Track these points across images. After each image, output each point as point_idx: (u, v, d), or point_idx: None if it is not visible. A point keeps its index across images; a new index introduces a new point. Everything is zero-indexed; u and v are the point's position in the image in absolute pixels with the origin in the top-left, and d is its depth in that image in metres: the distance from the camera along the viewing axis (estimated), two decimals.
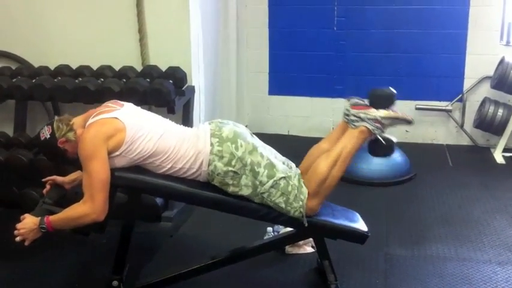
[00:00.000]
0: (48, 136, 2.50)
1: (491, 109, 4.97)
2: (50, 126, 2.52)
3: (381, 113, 2.52)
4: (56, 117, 2.60)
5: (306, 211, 2.51)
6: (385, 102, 2.55)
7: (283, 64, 5.69)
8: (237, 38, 5.36)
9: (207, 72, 4.28)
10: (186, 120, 3.81)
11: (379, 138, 2.54)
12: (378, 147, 2.59)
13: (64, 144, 2.50)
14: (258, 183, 2.48)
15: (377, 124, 2.52)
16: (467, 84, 5.27)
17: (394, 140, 2.58)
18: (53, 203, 2.58)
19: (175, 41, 3.94)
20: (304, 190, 2.51)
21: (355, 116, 2.55)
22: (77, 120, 2.57)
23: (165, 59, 3.88)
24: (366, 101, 2.59)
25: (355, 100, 2.60)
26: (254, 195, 2.51)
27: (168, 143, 2.49)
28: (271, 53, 5.69)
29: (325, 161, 2.53)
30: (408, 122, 2.57)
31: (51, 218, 2.42)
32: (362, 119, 2.53)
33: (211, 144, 2.47)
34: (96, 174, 2.36)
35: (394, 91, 2.60)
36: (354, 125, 2.55)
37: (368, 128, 2.52)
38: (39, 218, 2.42)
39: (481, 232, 3.43)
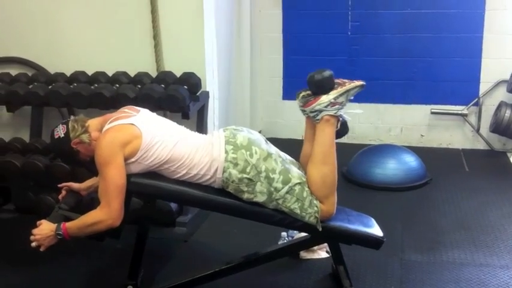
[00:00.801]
0: (62, 135, 2.51)
1: (508, 113, 4.92)
2: (64, 126, 2.54)
3: (331, 95, 2.48)
4: (72, 117, 2.61)
5: (323, 214, 2.51)
6: (328, 84, 2.51)
7: (297, 69, 5.68)
8: (251, 43, 5.37)
9: (221, 78, 4.29)
10: (201, 125, 3.82)
11: (345, 117, 2.54)
12: (343, 128, 2.57)
13: (77, 145, 2.51)
14: (273, 189, 2.47)
15: (335, 106, 2.48)
16: (483, 88, 5.23)
17: (359, 111, 2.53)
18: (69, 208, 2.59)
19: (190, 47, 3.96)
20: None
21: (312, 111, 2.51)
22: (92, 123, 2.58)
23: (180, 65, 3.91)
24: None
25: (303, 94, 2.55)
26: (269, 202, 2.50)
27: (183, 150, 2.50)
28: (285, 58, 5.70)
29: (314, 166, 2.52)
30: (361, 86, 2.52)
31: (68, 224, 2.43)
32: (320, 110, 2.49)
33: (226, 152, 2.47)
34: (113, 180, 2.37)
35: (329, 71, 2.54)
36: (316, 119, 2.52)
37: (330, 115, 2.49)
38: (56, 224, 2.44)
39: (497, 237, 3.40)
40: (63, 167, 3.49)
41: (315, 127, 2.57)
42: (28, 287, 2.97)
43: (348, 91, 2.50)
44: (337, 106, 2.49)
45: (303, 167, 2.65)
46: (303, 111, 2.57)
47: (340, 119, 2.54)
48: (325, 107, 2.48)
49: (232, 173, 2.45)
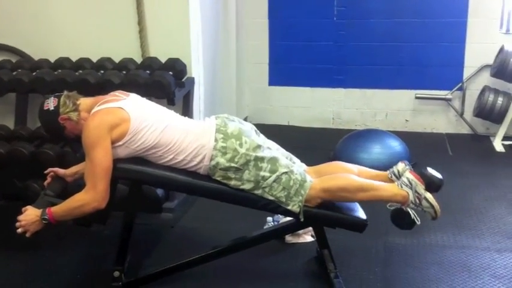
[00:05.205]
0: (52, 108, 2.52)
1: (491, 97, 4.98)
2: (56, 99, 2.54)
3: (428, 194, 2.49)
4: (66, 92, 2.61)
5: (308, 199, 2.52)
6: (434, 188, 2.53)
7: (283, 55, 5.70)
8: (236, 29, 5.36)
9: (206, 64, 4.29)
10: (186, 111, 3.83)
11: (410, 212, 2.51)
12: (401, 217, 2.57)
13: (65, 121, 2.52)
14: (260, 178, 2.50)
15: (417, 201, 2.49)
16: (467, 72, 5.29)
17: (418, 222, 2.52)
18: (54, 195, 2.59)
19: (175, 33, 3.95)
20: (307, 185, 2.52)
21: (408, 179, 2.51)
22: (84, 102, 2.58)
23: (165, 51, 3.89)
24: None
25: (410, 166, 2.59)
26: (255, 189, 2.52)
27: (171, 135, 2.51)
28: (271, 43, 5.70)
29: (360, 180, 2.53)
30: (435, 216, 2.53)
31: (53, 209, 2.43)
32: (411, 187, 2.50)
33: (216, 140, 2.49)
34: (99, 162, 2.38)
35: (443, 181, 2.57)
36: (401, 186, 2.52)
37: (409, 198, 2.49)
38: (41, 209, 2.44)
39: (480, 220, 3.45)
40: (48, 154, 3.47)
41: (385, 179, 2.62)
42: (16, 274, 2.97)
43: (432, 207, 2.50)
44: (418, 202, 2.49)
45: (335, 166, 2.74)
46: (398, 173, 2.57)
47: (404, 209, 2.52)
48: (416, 192, 2.49)
49: (220, 161, 2.47)
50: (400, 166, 2.60)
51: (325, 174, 2.64)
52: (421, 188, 2.49)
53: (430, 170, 2.58)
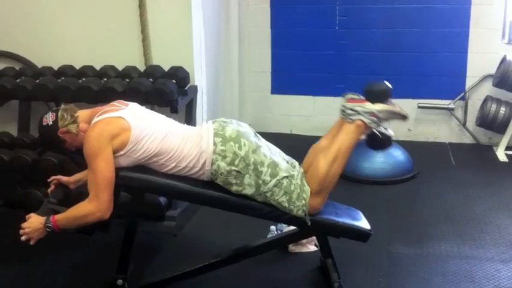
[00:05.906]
0: (51, 123, 2.51)
1: (494, 107, 4.98)
2: (54, 114, 2.53)
3: (377, 106, 2.51)
4: (63, 106, 2.60)
5: (309, 210, 2.52)
6: (380, 96, 2.53)
7: (285, 63, 5.70)
8: (239, 38, 5.38)
9: (209, 72, 4.30)
10: (189, 119, 3.83)
11: (376, 132, 2.53)
12: (375, 140, 2.57)
13: (64, 134, 2.51)
14: (261, 182, 2.49)
15: (373, 117, 2.51)
16: (469, 82, 5.28)
17: (391, 133, 2.54)
18: (57, 202, 2.59)
19: (178, 41, 3.96)
20: (307, 189, 2.52)
21: (351, 109, 2.53)
22: (82, 114, 2.57)
23: (168, 59, 3.90)
24: (362, 96, 2.57)
25: (351, 95, 2.58)
26: (257, 194, 2.51)
27: (172, 142, 2.50)
28: (274, 52, 5.71)
29: (324, 159, 2.53)
30: (403, 116, 2.55)
31: (57, 217, 2.43)
32: (358, 113, 2.51)
33: (214, 144, 2.48)
34: (101, 172, 2.37)
35: (390, 85, 2.59)
36: (350, 119, 2.53)
37: (364, 122, 2.51)
38: (45, 217, 2.43)
39: (483, 230, 3.44)
40: (51, 161, 3.48)
41: (342, 126, 2.59)
42: (19, 281, 2.96)
43: (392, 112, 2.52)
44: (374, 118, 2.51)
45: (313, 153, 2.68)
46: (343, 108, 2.56)
47: (370, 131, 2.55)
48: (365, 112, 2.50)
49: (220, 165, 2.46)
50: (342, 101, 2.59)
51: (310, 165, 2.63)
52: (367, 106, 2.50)
53: (369, 84, 2.57)
